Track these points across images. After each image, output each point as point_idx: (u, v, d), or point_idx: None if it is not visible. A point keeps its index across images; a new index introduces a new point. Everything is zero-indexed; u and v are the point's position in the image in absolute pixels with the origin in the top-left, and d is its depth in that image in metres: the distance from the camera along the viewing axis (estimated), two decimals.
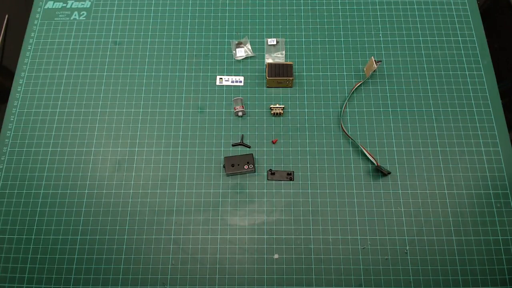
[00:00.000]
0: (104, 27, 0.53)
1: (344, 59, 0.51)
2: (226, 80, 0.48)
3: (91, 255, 0.43)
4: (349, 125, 0.48)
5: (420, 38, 0.52)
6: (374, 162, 0.44)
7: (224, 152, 0.47)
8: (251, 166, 0.44)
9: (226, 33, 0.52)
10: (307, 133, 0.47)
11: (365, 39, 0.52)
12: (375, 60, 0.46)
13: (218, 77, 0.49)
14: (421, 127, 0.47)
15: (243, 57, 0.50)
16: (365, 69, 0.49)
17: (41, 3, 0.55)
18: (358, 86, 0.49)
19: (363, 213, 0.44)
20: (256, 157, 0.46)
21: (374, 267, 0.42)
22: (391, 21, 0.52)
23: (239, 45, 0.49)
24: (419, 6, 0.54)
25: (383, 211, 0.44)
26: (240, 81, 0.48)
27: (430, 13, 0.53)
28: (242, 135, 0.44)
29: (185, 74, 0.50)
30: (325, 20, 0.53)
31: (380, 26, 0.52)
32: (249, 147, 0.44)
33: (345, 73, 0.50)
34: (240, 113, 0.47)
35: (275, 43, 0.50)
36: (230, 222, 0.44)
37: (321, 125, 0.48)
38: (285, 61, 0.50)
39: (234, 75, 0.49)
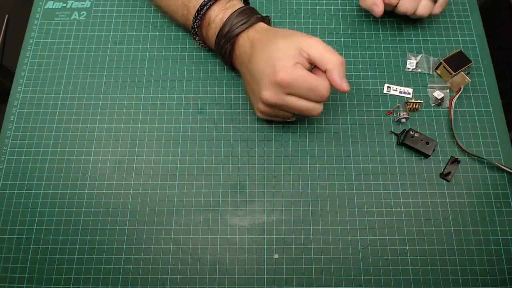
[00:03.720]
0: (104, 27, 0.53)
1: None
2: (394, 89, 0.49)
3: (91, 255, 0.43)
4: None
5: (420, 38, 0.52)
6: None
7: (224, 152, 0.47)
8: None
9: None
10: (307, 133, 0.47)
11: (365, 39, 0.52)
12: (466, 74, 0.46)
13: (386, 85, 0.49)
14: (421, 127, 0.47)
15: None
16: (450, 83, 0.48)
17: (41, 3, 0.55)
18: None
19: (363, 213, 0.44)
20: (256, 157, 0.46)
21: (374, 267, 0.42)
22: (391, 21, 0.52)
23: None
24: None
25: (383, 211, 0.44)
26: (409, 93, 0.49)
27: None
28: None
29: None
30: (325, 20, 0.53)
31: (380, 26, 0.52)
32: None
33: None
34: (403, 120, 0.47)
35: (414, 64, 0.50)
36: (230, 222, 0.44)
37: (321, 125, 0.48)
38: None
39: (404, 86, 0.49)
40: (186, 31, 0.52)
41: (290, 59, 0.39)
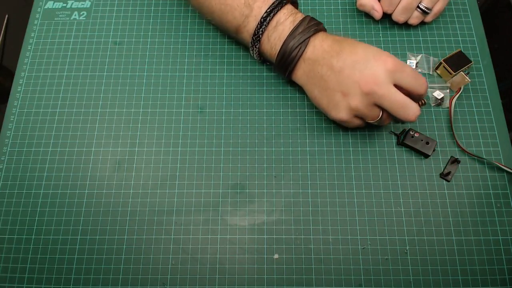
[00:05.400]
0: (104, 27, 0.53)
1: None
2: None
3: (91, 255, 0.43)
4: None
5: (420, 38, 0.52)
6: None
7: (224, 152, 0.47)
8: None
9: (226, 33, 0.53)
10: (307, 133, 0.47)
11: (365, 39, 0.52)
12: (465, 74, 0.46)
13: None
14: (421, 127, 0.47)
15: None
16: (450, 83, 0.48)
17: (41, 3, 0.55)
18: None
19: (363, 213, 0.44)
20: (256, 157, 0.46)
21: (374, 267, 0.42)
22: (391, 21, 0.52)
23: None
24: None
25: (383, 211, 0.44)
26: None
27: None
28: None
29: None
30: (325, 20, 0.53)
31: (380, 26, 0.53)
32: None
33: None
34: None
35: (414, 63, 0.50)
36: (230, 222, 0.44)
37: (320, 125, 0.48)
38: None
39: None
40: (232, 34, 0.47)
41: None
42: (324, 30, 0.44)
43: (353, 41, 0.41)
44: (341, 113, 0.42)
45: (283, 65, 0.43)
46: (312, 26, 0.42)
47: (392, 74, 0.38)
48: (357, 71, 0.39)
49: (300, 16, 0.43)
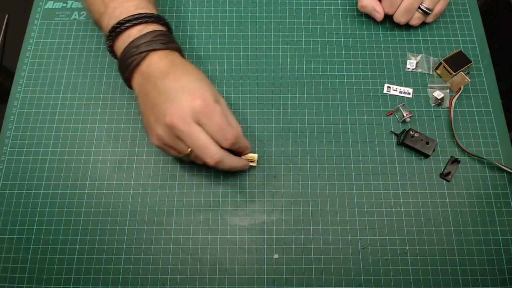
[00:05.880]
0: None
1: (344, 59, 0.51)
2: (394, 89, 0.49)
3: (91, 255, 0.43)
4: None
5: (420, 38, 0.52)
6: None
7: None
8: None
9: (226, 33, 0.53)
10: (307, 133, 0.47)
11: (365, 39, 0.52)
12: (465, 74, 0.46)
13: (386, 85, 0.49)
14: (421, 127, 0.47)
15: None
16: (450, 82, 0.48)
17: (41, 3, 0.55)
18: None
19: (363, 213, 0.44)
20: (260, 156, 0.46)
21: (374, 267, 0.42)
22: (391, 21, 0.52)
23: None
24: None
25: (383, 211, 0.44)
26: (409, 93, 0.48)
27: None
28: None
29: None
30: (325, 20, 0.53)
31: (380, 26, 0.53)
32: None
33: (345, 73, 0.50)
34: (408, 119, 0.47)
35: (414, 64, 0.50)
36: (230, 222, 0.44)
37: (321, 125, 0.48)
38: None
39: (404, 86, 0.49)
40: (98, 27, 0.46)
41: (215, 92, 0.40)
42: (177, 50, 0.42)
43: (188, 69, 0.40)
44: (152, 138, 0.40)
45: (121, 71, 0.42)
46: (157, 41, 0.40)
47: (197, 116, 0.37)
48: (168, 100, 0.38)
49: (151, 28, 0.41)
